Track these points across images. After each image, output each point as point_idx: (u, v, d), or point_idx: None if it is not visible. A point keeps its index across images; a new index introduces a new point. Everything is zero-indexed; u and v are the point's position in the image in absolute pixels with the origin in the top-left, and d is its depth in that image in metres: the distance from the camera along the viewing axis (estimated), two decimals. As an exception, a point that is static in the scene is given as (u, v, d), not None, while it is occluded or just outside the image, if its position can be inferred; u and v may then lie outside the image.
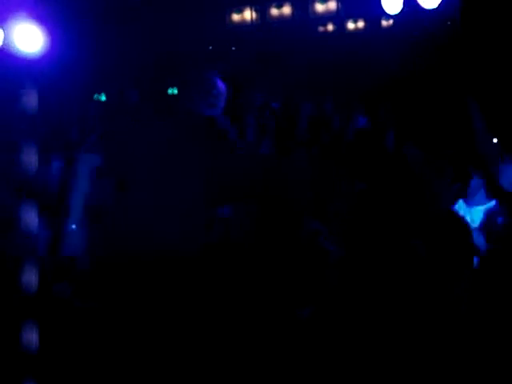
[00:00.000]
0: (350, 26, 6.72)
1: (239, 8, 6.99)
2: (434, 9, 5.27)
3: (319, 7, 6.77)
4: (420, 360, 3.92)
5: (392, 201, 5.00)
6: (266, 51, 6.76)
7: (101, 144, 5.50)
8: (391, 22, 6.24)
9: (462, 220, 4.24)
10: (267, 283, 4.67)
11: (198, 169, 3.52)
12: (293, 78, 6.59)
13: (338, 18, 6.74)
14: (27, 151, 4.62)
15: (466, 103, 5.11)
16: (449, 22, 5.39)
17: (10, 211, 4.60)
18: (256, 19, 6.97)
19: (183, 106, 5.12)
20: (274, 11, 6.90)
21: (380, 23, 6.42)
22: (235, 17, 7.02)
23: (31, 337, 3.78)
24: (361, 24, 6.68)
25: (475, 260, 4.19)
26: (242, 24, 6.97)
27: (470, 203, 4.38)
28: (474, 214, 4.50)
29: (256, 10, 6.94)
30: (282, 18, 6.89)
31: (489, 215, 4.38)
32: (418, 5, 5.45)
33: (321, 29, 6.87)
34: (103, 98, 7.01)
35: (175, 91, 6.18)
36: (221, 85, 5.41)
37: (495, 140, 4.63)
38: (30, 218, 4.38)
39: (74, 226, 4.80)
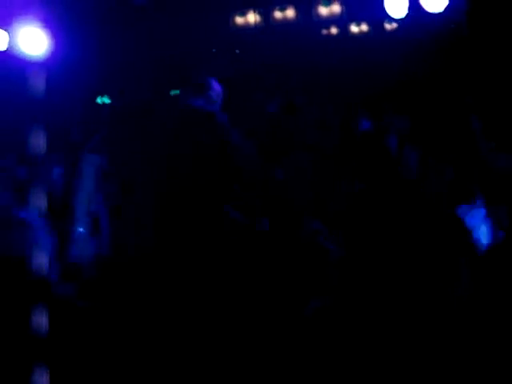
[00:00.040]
0: (354, 29, 6.73)
1: (243, 11, 6.99)
2: (438, 12, 5.28)
3: (323, 10, 6.77)
4: (421, 356, 3.93)
5: (391, 201, 5.01)
6: (270, 54, 6.76)
7: (105, 145, 5.51)
8: (395, 25, 6.24)
9: (460, 220, 4.25)
10: (271, 281, 4.68)
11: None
12: (296, 81, 6.60)
13: (342, 21, 6.75)
14: (33, 154, 4.62)
15: (469, 120, 5.13)
16: (453, 25, 5.39)
17: (14, 212, 4.61)
18: (259, 22, 6.97)
19: (183, 103, 5.13)
20: (278, 14, 6.90)
21: (384, 27, 6.43)
22: (239, 20, 7.02)
23: (38, 336, 3.78)
24: (364, 27, 6.69)
25: (476, 259, 4.20)
26: (246, 27, 6.97)
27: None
28: (474, 215, 4.49)
29: (259, 13, 6.94)
30: (285, 21, 6.89)
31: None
32: (422, 8, 5.46)
33: (324, 32, 6.87)
34: (106, 99, 7.01)
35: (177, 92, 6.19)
36: (217, 86, 5.44)
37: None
38: (36, 219, 4.38)
39: (81, 229, 4.80)
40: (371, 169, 5.53)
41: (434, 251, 4.64)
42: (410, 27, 5.75)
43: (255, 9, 6.92)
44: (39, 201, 4.52)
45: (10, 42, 5.53)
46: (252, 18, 6.95)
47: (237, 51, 6.92)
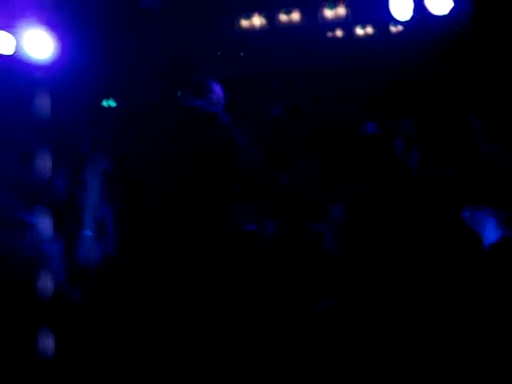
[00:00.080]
0: (359, 31, 6.72)
1: (248, 14, 6.99)
2: (444, 15, 5.28)
3: (328, 13, 6.77)
4: (424, 354, 3.94)
5: (394, 202, 5.01)
6: (275, 57, 6.77)
7: (110, 149, 5.53)
8: (400, 27, 6.24)
9: (462, 221, 4.26)
10: (275, 283, 4.69)
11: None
12: (301, 84, 6.60)
13: (347, 23, 6.74)
14: (39, 157, 4.65)
15: (470, 121, 5.12)
16: (458, 28, 5.39)
17: (20, 216, 4.63)
18: (265, 25, 6.97)
19: (185, 105, 5.15)
20: (283, 17, 6.90)
21: (389, 29, 6.42)
22: (244, 23, 7.02)
23: (46, 338, 3.80)
24: (370, 30, 6.68)
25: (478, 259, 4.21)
26: (251, 30, 6.98)
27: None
28: (477, 216, 4.49)
29: (265, 16, 6.95)
30: (290, 24, 6.89)
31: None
32: (427, 11, 5.47)
33: (329, 35, 6.87)
34: (112, 103, 7.03)
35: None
36: (218, 89, 5.46)
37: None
38: (43, 223, 4.41)
39: (88, 232, 4.82)
40: (377, 171, 5.54)
41: (435, 251, 4.65)
42: (415, 30, 5.76)
43: (260, 12, 6.92)
44: (45, 204, 4.54)
45: (16, 46, 5.56)
46: (257, 20, 6.95)
47: (241, 54, 6.92)
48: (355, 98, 6.36)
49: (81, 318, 4.39)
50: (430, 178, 5.39)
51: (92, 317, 4.37)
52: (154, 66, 6.62)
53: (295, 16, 6.85)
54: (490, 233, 4.16)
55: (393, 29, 6.33)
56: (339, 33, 6.84)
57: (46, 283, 4.19)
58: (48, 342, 4.00)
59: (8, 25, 5.53)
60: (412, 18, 5.50)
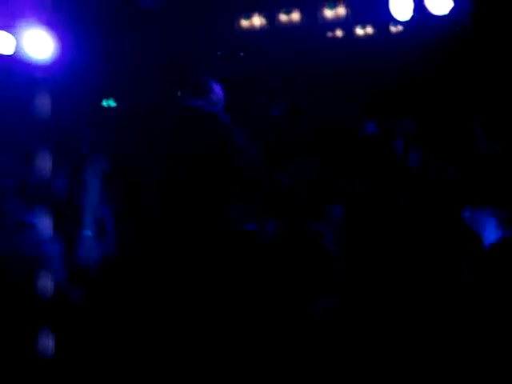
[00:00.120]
0: (359, 31, 6.72)
1: (248, 14, 6.99)
2: (444, 15, 5.28)
3: (328, 13, 6.77)
4: (424, 354, 3.94)
5: (391, 201, 5.02)
6: (275, 57, 6.77)
7: (109, 149, 5.53)
8: (400, 27, 6.24)
9: (463, 221, 4.26)
10: (275, 283, 4.69)
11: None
12: (301, 84, 6.60)
13: (347, 23, 6.74)
14: (39, 157, 4.65)
15: (470, 121, 5.11)
16: (458, 28, 5.40)
17: (20, 216, 4.64)
18: (265, 25, 6.97)
19: (185, 105, 5.15)
20: (283, 17, 6.90)
21: (389, 29, 6.42)
22: (244, 23, 7.02)
23: (46, 338, 3.80)
24: (370, 30, 6.68)
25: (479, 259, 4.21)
26: (251, 30, 6.98)
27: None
28: (478, 216, 4.48)
29: (265, 16, 6.95)
30: (290, 24, 6.89)
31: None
32: (427, 11, 5.47)
33: (329, 35, 6.87)
34: (112, 102, 7.03)
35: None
36: (218, 89, 5.46)
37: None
38: (43, 223, 4.41)
39: (88, 232, 4.82)
40: (377, 171, 5.54)
41: (435, 251, 4.66)
42: (415, 29, 5.76)
43: (260, 12, 6.92)
44: (45, 204, 4.54)
45: (16, 46, 5.56)
46: (257, 20, 6.95)
47: (241, 54, 6.92)
48: (355, 98, 6.36)
49: (81, 317, 4.39)
50: (430, 178, 5.39)
51: (92, 317, 4.37)
52: (154, 65, 6.62)
53: (295, 16, 6.86)
54: (490, 233, 4.15)
55: (393, 29, 6.33)
56: (339, 33, 6.84)
57: (46, 283, 4.19)
58: (48, 342, 4.00)
59: (8, 25, 5.53)
60: (412, 17, 5.50)
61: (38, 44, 5.50)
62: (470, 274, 4.22)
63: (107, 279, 4.76)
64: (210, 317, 4.46)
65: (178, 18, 6.70)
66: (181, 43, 6.68)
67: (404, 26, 6.05)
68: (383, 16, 6.05)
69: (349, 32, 6.78)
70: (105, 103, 6.92)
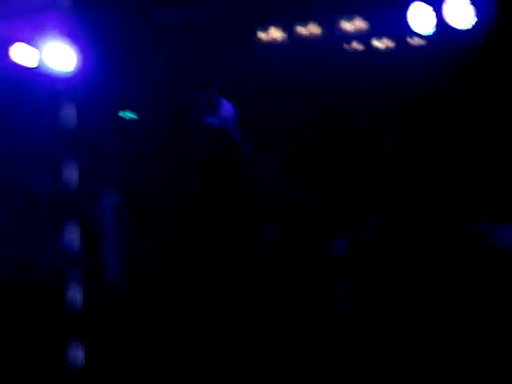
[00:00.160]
0: (378, 44, 6.73)
1: (266, 27, 7.02)
2: (466, 29, 5.28)
3: (346, 25, 6.78)
4: (427, 355, 3.95)
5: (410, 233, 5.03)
6: (294, 70, 6.79)
7: (122, 182, 5.55)
8: (420, 41, 6.24)
9: (477, 233, 4.27)
10: (277, 282, 4.71)
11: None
12: (320, 97, 6.62)
13: (366, 36, 6.75)
14: (67, 169, 4.65)
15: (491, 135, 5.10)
16: (481, 42, 5.39)
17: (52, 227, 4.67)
18: (283, 38, 6.99)
19: (196, 121, 5.16)
20: (301, 30, 6.92)
21: (408, 42, 6.42)
22: (262, 35, 7.05)
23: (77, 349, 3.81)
24: (388, 43, 6.69)
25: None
26: (270, 43, 7.00)
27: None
28: (494, 230, 4.51)
29: (283, 29, 6.97)
30: (308, 37, 6.91)
31: None
32: (449, 25, 5.46)
33: (347, 47, 6.88)
34: (129, 114, 7.06)
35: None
36: (228, 106, 5.47)
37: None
38: (72, 237, 4.42)
39: (111, 257, 4.89)
40: (399, 183, 5.54)
41: (448, 261, 4.67)
42: (436, 43, 5.75)
43: (279, 24, 6.94)
44: (73, 219, 4.56)
45: (40, 59, 5.59)
46: (276, 33, 6.97)
47: (260, 66, 6.94)
48: (375, 111, 6.38)
49: (103, 330, 4.42)
50: (444, 191, 5.41)
51: (124, 330, 4.41)
52: (171, 78, 6.64)
53: (313, 28, 6.87)
54: (504, 244, 4.19)
55: (412, 42, 6.33)
56: (357, 45, 6.84)
57: (74, 296, 4.22)
58: (77, 353, 4.02)
59: (31, 38, 5.57)
60: (434, 31, 5.50)
61: (61, 57, 5.52)
62: (483, 283, 4.26)
63: (129, 296, 4.83)
64: (210, 315, 4.51)
65: (197, 30, 6.73)
66: (199, 55, 6.70)
67: (426, 40, 6.05)
68: (402, 28, 6.03)
69: (367, 44, 6.79)
70: (122, 114, 6.96)
